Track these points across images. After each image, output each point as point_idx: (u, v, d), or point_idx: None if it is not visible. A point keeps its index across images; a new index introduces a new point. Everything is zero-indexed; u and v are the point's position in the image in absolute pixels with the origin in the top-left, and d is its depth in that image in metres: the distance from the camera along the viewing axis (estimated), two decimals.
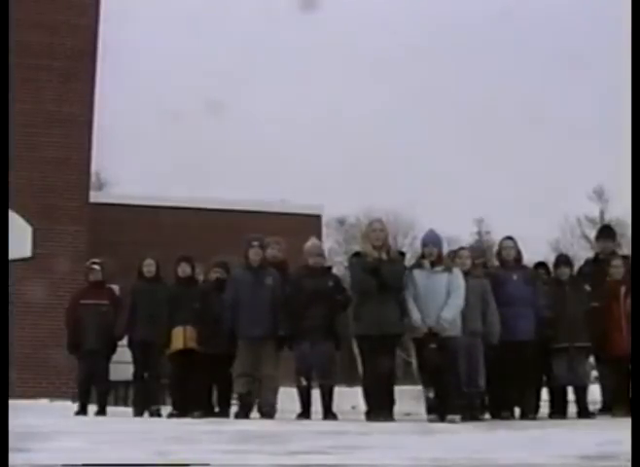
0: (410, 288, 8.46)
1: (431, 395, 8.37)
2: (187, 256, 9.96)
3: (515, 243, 9.56)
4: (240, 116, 48.56)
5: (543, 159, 48.06)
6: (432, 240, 8.64)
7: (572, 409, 9.44)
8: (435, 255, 8.51)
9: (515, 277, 9.29)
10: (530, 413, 9.09)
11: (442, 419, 8.15)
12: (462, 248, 9.73)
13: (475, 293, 8.80)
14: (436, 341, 8.23)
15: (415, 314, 8.33)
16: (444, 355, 8.22)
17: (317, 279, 8.93)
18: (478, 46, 53.26)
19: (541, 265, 10.18)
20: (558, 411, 9.35)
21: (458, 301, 8.40)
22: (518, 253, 9.51)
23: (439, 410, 8.28)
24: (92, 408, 10.01)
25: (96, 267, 10.36)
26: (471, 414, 8.57)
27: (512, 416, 9.07)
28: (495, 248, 9.91)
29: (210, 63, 47.15)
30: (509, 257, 9.45)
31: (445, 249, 9.14)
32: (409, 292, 8.44)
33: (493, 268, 9.74)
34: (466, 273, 8.77)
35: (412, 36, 51.50)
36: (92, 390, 10.25)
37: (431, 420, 8.21)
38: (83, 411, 9.92)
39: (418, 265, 8.59)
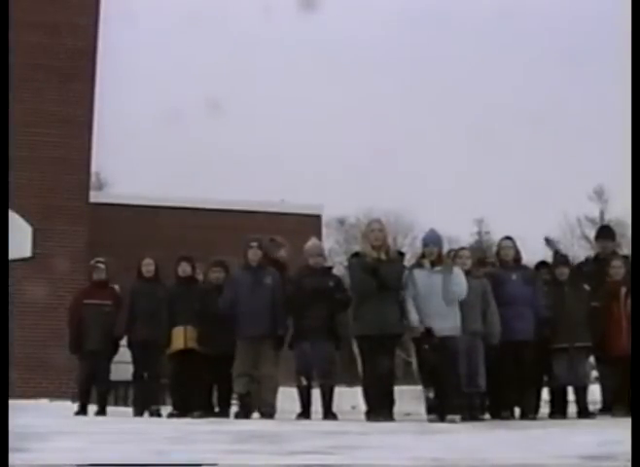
0: (410, 288, 8.46)
1: (431, 395, 8.36)
2: (187, 256, 9.95)
3: (514, 243, 9.54)
4: (240, 116, 48.63)
5: (543, 158, 48.13)
6: (432, 240, 8.64)
7: (572, 409, 9.43)
8: (435, 254, 8.51)
9: (514, 277, 9.27)
10: (530, 413, 9.08)
11: (442, 419, 8.14)
12: (463, 248, 9.71)
13: (475, 293, 8.80)
14: (432, 341, 8.21)
15: (413, 315, 8.33)
16: (443, 355, 8.21)
17: (318, 279, 8.93)
18: (477, 45, 53.28)
19: (543, 264, 10.16)
20: (558, 411, 9.34)
21: (457, 305, 8.40)
22: (517, 253, 9.49)
23: (438, 410, 8.27)
24: (92, 408, 9.99)
25: (101, 265, 10.25)
26: (471, 414, 8.56)
27: (512, 416, 9.06)
28: (494, 248, 9.90)
29: (210, 63, 47.19)
30: (507, 257, 9.43)
31: (446, 249, 9.14)
32: (409, 292, 8.44)
33: (492, 268, 9.74)
34: (466, 273, 8.77)
35: (412, 36, 51.59)
36: (93, 390, 10.23)
37: (431, 420, 8.20)
38: (83, 411, 9.87)
39: (419, 264, 8.59)
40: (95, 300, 10.04)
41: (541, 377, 9.57)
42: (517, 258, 9.50)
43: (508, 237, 9.64)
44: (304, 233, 11.58)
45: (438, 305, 8.31)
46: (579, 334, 9.16)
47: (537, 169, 47.25)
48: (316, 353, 8.76)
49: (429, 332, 8.25)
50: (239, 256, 9.32)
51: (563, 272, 9.52)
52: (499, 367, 8.95)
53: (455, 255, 9.16)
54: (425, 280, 8.42)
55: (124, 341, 10.06)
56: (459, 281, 8.46)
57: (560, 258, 10.16)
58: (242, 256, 9.22)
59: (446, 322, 8.30)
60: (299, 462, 4.18)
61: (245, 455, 4.51)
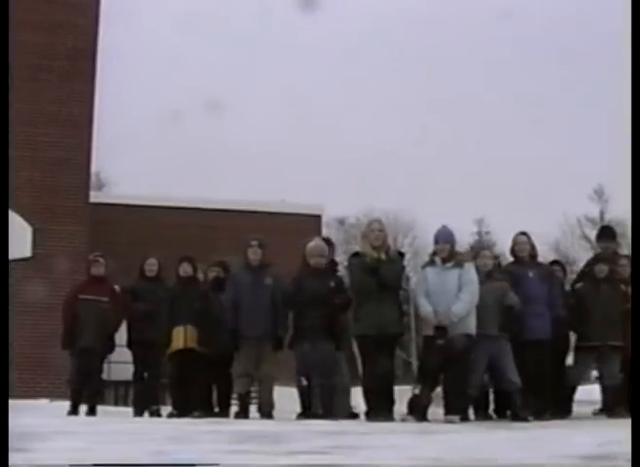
0: (422, 285, 8.43)
1: (416, 391, 8.29)
2: (189, 256, 9.91)
3: (530, 238, 9.26)
4: (240, 115, 48.67)
5: (543, 158, 48.10)
6: (444, 237, 8.56)
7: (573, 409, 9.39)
8: (446, 251, 8.45)
9: (530, 275, 8.99)
10: (545, 412, 8.82)
11: (421, 419, 8.07)
12: (484, 248, 9.46)
13: (495, 295, 8.62)
14: (445, 337, 8.11)
15: (426, 307, 8.27)
16: (450, 353, 8.14)
17: (318, 280, 8.91)
18: (478, 45, 53.28)
19: (555, 263, 10.03)
20: (565, 410, 9.14)
21: (469, 296, 8.26)
22: (533, 249, 9.21)
23: (419, 408, 8.17)
24: (84, 408, 9.89)
25: (100, 259, 10.07)
26: (475, 415, 8.50)
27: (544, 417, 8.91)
28: (510, 244, 9.53)
29: (210, 63, 47.20)
30: (522, 252, 9.13)
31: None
32: (421, 289, 8.41)
33: (507, 264, 9.46)
34: (488, 275, 8.68)
35: (412, 35, 51.56)
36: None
37: (404, 420, 8.11)
38: (74, 410, 9.69)
39: (431, 262, 8.56)
40: (91, 295, 9.81)
41: (561, 377, 9.29)
42: (533, 254, 9.22)
43: (523, 233, 9.32)
44: (304, 233, 11.58)
45: (449, 301, 8.23)
46: (612, 333, 8.91)
47: (537, 169, 47.28)
48: (317, 354, 8.76)
49: (443, 327, 8.16)
50: (239, 256, 9.31)
51: (602, 270, 9.26)
52: (518, 367, 8.77)
53: (477, 255, 9.01)
54: (436, 277, 8.38)
55: (123, 341, 10.02)
56: (470, 277, 8.37)
57: (600, 255, 9.82)
58: (242, 256, 9.21)
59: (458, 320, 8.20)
60: (299, 462, 4.18)
61: (245, 455, 4.51)
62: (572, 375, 9.25)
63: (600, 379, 9.38)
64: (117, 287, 10.38)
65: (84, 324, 9.76)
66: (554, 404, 9.29)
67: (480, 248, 9.27)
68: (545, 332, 8.84)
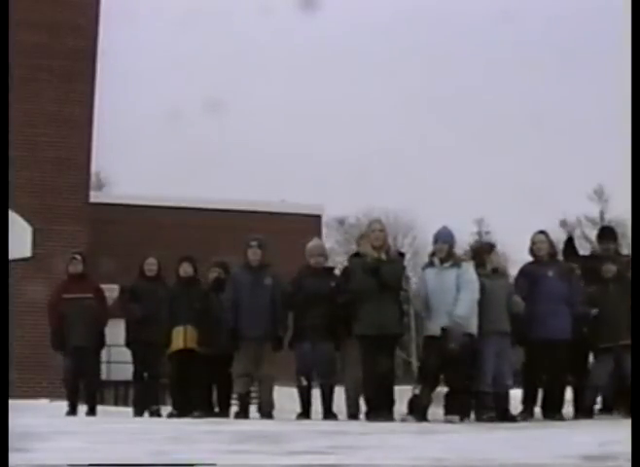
0: (423, 287, 8.43)
1: (417, 391, 8.29)
2: (189, 256, 9.89)
3: (548, 237, 9.14)
4: (240, 115, 48.58)
5: (543, 158, 48.12)
6: (443, 237, 8.55)
7: (569, 409, 9.35)
8: (445, 251, 8.44)
9: (550, 274, 8.84)
10: (557, 412, 8.71)
11: (421, 419, 8.07)
12: (494, 245, 9.26)
13: (502, 292, 8.58)
14: (455, 340, 8.06)
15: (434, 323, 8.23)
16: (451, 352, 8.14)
17: (318, 280, 8.91)
18: (478, 45, 53.28)
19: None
20: (588, 411, 8.93)
21: (469, 294, 8.25)
22: (552, 247, 9.10)
23: (419, 408, 8.18)
24: (83, 407, 9.88)
25: (77, 257, 10.07)
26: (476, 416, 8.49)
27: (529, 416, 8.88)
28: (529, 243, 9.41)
29: (210, 63, 47.20)
30: (540, 252, 8.97)
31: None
32: (422, 291, 8.42)
33: (526, 264, 9.25)
34: (494, 271, 8.68)
35: (412, 35, 51.57)
36: (82, 389, 10.04)
37: (404, 420, 8.12)
38: (72, 411, 9.67)
39: (430, 263, 8.56)
40: (75, 293, 9.79)
41: (574, 377, 9.10)
42: (553, 252, 9.10)
43: (541, 231, 9.17)
44: (304, 233, 11.59)
45: (449, 302, 8.22)
46: (624, 332, 8.56)
47: (537, 169, 47.29)
48: (316, 353, 8.76)
49: (445, 331, 8.13)
50: (239, 256, 9.30)
51: (610, 270, 9.04)
52: (535, 366, 8.72)
53: (490, 251, 8.94)
54: (434, 278, 8.38)
55: (122, 341, 10.01)
56: (469, 277, 8.36)
57: (599, 254, 9.64)
58: (242, 256, 9.21)
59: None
60: (299, 462, 4.18)
61: (245, 455, 4.51)
62: (594, 375, 9.09)
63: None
64: (115, 287, 10.40)
65: (71, 323, 9.73)
66: (576, 404, 9.14)
67: (491, 245, 9.04)
68: (564, 331, 8.67)
